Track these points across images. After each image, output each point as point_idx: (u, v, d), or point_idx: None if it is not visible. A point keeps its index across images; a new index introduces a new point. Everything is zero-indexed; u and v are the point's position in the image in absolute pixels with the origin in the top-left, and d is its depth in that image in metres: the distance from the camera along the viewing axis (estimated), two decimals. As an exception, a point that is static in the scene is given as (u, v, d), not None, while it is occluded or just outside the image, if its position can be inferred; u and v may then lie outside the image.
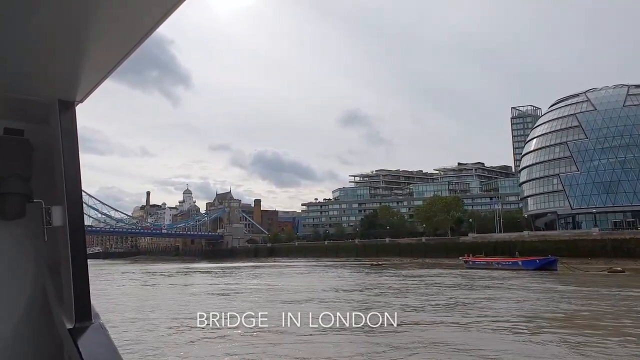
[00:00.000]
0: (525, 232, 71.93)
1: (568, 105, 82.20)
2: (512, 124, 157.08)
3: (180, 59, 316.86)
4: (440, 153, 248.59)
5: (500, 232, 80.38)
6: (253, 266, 67.12)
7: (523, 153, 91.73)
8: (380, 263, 58.72)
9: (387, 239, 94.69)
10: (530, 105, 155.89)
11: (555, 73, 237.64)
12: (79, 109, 1.61)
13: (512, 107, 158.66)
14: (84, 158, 1.73)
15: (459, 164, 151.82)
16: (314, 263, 73.30)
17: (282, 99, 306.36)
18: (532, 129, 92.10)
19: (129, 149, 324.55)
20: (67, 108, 1.56)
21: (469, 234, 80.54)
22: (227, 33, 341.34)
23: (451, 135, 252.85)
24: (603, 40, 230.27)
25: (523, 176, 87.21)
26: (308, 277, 39.23)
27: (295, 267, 59.63)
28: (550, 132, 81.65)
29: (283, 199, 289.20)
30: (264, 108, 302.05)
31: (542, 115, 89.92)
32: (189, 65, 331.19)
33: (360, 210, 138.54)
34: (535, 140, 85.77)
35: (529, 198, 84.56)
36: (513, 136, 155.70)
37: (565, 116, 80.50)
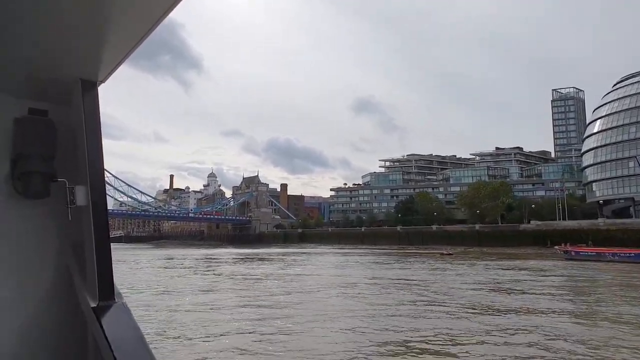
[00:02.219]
0: (600, 220, 65.44)
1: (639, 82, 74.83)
2: (552, 107, 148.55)
3: (192, 43, 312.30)
4: (461, 139, 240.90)
5: (561, 219, 74.18)
6: (302, 253, 61.83)
7: (585, 135, 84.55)
8: (450, 252, 52.97)
9: (433, 226, 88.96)
10: (573, 87, 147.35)
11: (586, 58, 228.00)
12: (100, 90, 1.61)
13: (553, 89, 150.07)
14: (100, 142, 1.60)
15: (497, 148, 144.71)
16: (360, 251, 67.89)
17: (293, 87, 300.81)
18: (596, 109, 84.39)
19: (143, 134, 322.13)
20: (90, 88, 1.55)
21: (532, 221, 74.22)
22: (239, 20, 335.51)
23: (471, 122, 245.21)
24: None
25: (587, 159, 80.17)
26: (406, 271, 33.56)
27: (351, 256, 54.11)
28: (620, 111, 74.46)
29: (296, 186, 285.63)
30: (275, 95, 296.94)
31: (606, 94, 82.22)
32: (201, 51, 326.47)
33: (392, 196, 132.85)
34: (599, 121, 78.61)
35: (594, 183, 77.74)
36: (554, 120, 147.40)
37: (637, 93, 73.19)
